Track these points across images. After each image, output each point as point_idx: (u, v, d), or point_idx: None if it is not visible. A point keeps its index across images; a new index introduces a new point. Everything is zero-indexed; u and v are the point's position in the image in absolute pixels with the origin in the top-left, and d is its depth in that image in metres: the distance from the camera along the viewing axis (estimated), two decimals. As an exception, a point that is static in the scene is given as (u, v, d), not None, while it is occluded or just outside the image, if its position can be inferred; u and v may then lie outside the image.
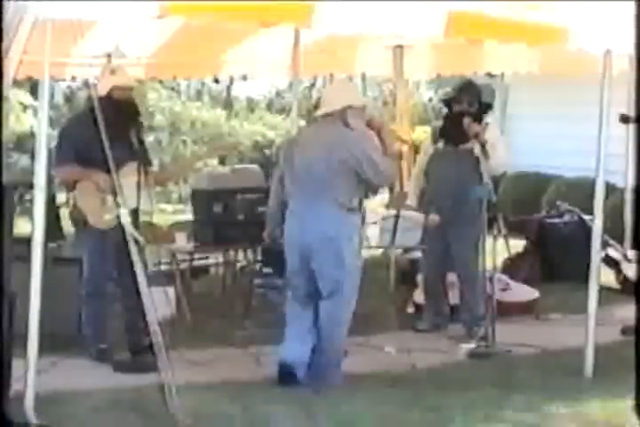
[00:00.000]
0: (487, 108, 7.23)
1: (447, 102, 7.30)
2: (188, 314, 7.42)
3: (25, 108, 13.99)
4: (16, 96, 13.54)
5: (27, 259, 4.88)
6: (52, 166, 6.26)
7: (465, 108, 7.01)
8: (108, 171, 5.45)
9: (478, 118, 6.99)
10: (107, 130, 5.24)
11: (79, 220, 6.26)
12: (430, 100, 19.15)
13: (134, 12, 4.94)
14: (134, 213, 5.99)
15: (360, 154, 5.67)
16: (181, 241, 7.97)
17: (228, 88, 19.92)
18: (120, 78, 6.26)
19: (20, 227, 6.10)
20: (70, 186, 6.29)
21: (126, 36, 8.13)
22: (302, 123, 9.25)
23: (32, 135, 11.43)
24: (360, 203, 5.81)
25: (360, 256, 5.91)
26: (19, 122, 13.84)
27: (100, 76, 6.62)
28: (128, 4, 4.81)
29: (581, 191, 9.96)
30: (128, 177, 5.99)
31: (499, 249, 7.20)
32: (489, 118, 7.35)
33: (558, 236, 9.45)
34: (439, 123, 7.52)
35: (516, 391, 5.55)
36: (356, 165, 5.68)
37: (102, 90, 6.14)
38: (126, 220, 5.44)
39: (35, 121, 11.66)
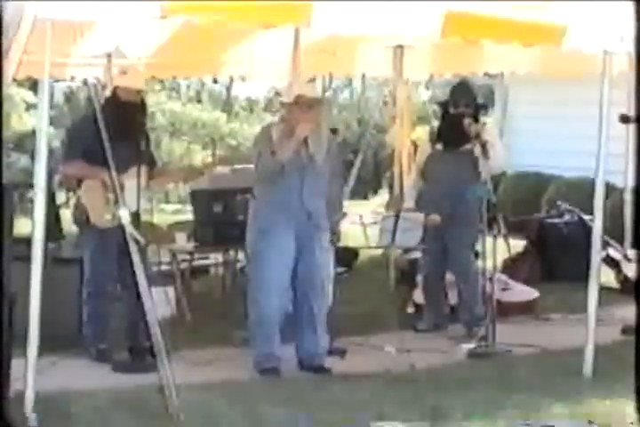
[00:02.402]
0: (483, 108, 7.23)
1: (443, 104, 7.29)
2: (188, 314, 7.42)
3: (28, 106, 13.97)
4: (20, 94, 13.55)
5: (27, 259, 4.87)
6: (59, 163, 6.30)
7: (462, 110, 7.00)
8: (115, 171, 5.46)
9: (476, 118, 6.99)
10: (112, 130, 5.24)
11: (81, 219, 6.25)
12: (430, 99, 19.16)
13: (134, 12, 4.94)
14: (135, 214, 5.98)
15: None
16: (181, 241, 7.97)
17: (228, 89, 19.93)
18: (125, 80, 6.25)
19: (20, 227, 6.10)
20: (74, 185, 6.30)
21: (126, 36, 8.12)
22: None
23: (32, 135, 11.43)
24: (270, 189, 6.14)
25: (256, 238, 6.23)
26: (20, 122, 13.83)
27: (115, 75, 6.63)
28: (128, 4, 4.81)
29: (581, 191, 9.96)
30: (133, 178, 5.99)
31: (499, 249, 7.19)
32: (488, 118, 7.35)
33: (558, 236, 9.45)
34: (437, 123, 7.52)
35: (516, 391, 5.54)
36: None
37: (108, 90, 6.18)
38: (127, 220, 5.44)
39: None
